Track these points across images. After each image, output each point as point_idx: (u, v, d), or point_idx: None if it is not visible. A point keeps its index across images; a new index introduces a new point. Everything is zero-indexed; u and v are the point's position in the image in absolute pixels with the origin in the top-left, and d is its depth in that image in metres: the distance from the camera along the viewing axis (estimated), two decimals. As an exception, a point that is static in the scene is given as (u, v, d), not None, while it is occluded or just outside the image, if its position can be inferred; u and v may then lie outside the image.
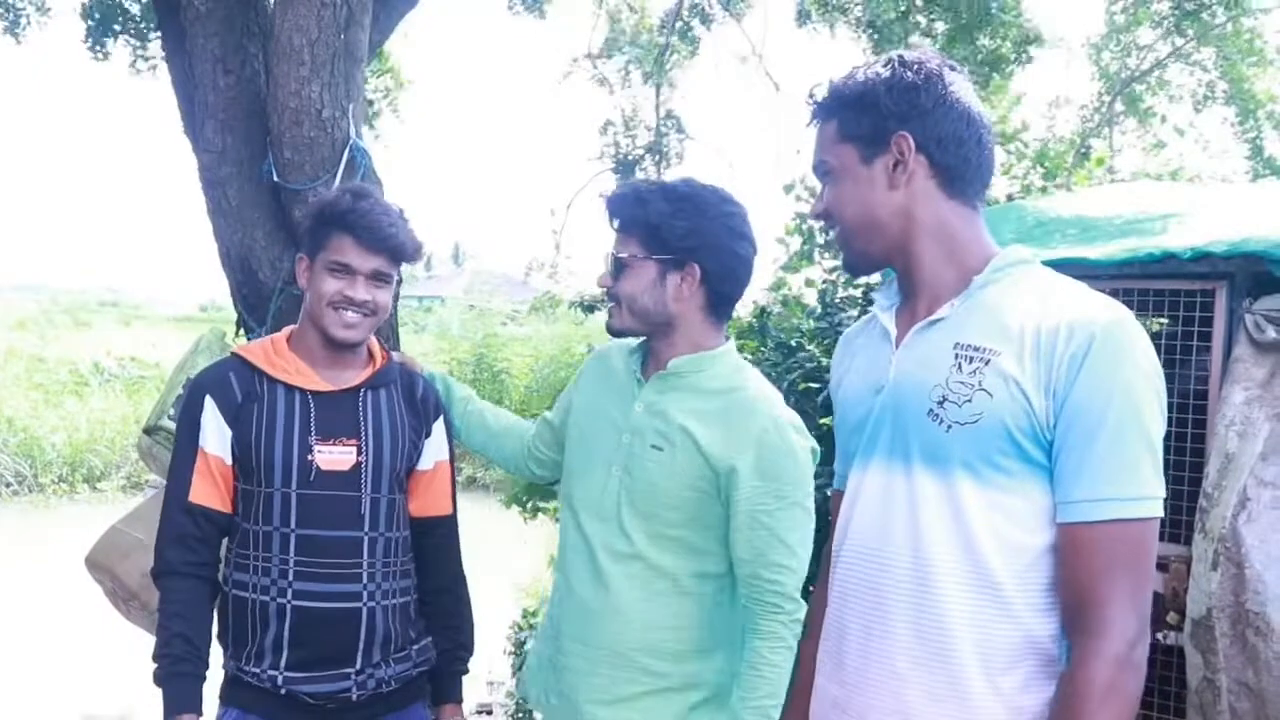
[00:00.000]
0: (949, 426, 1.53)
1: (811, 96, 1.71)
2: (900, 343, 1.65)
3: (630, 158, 7.39)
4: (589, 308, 6.86)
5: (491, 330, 19.99)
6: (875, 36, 7.53)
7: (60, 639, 7.71)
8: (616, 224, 2.29)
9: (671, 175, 7.01)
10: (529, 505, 5.87)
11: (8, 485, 14.62)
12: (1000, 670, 1.51)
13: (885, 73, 1.62)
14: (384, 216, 2.28)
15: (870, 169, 1.63)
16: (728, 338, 2.33)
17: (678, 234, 2.20)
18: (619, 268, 2.27)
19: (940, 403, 1.54)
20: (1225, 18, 11.74)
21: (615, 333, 2.34)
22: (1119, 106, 14.68)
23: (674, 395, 2.25)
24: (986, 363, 1.52)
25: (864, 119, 1.63)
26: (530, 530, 5.95)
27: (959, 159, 1.62)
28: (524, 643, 5.47)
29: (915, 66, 1.62)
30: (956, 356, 1.55)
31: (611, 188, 2.34)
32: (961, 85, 1.63)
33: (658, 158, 7.09)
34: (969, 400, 1.52)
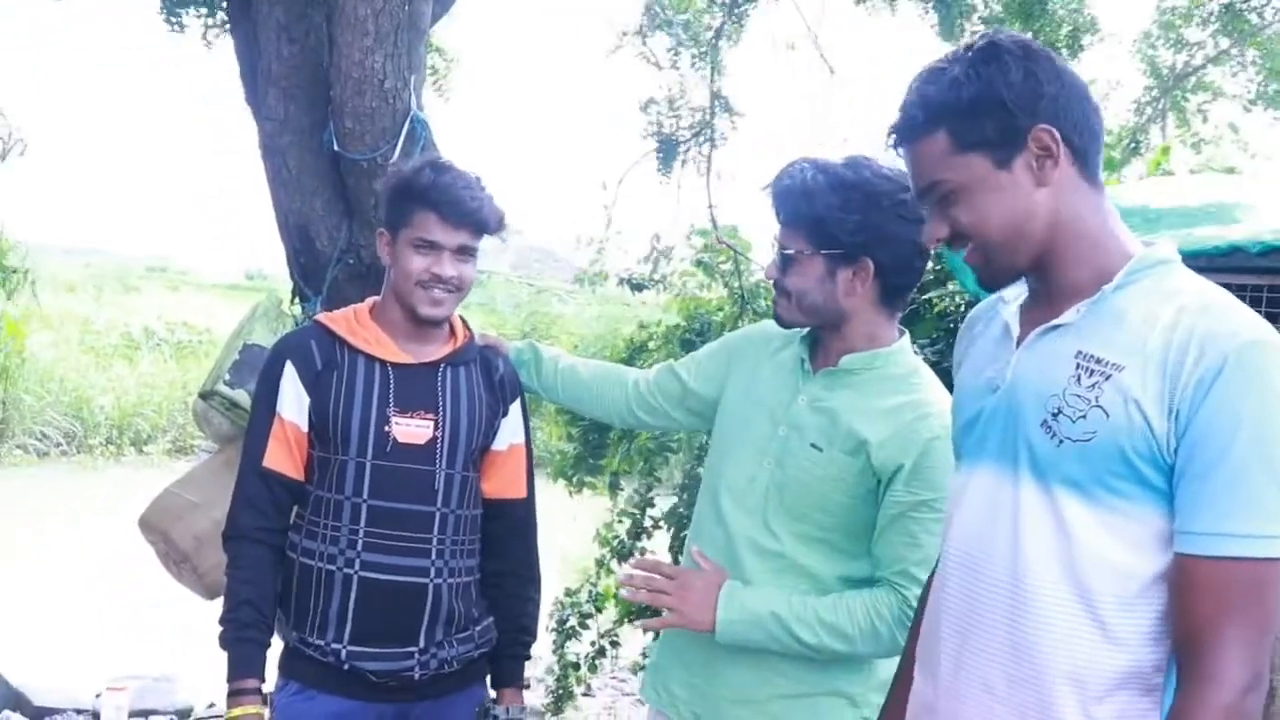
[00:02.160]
0: (1061, 441, 1.43)
1: (903, 113, 1.55)
2: (1021, 342, 1.54)
3: (675, 138, 7.28)
4: (637, 286, 6.77)
5: (538, 307, 20.01)
6: (941, 13, 7.35)
7: (105, 597, 7.83)
8: (781, 216, 2.13)
9: (719, 156, 6.94)
10: (575, 479, 5.85)
11: (57, 445, 14.85)
12: (1096, 699, 1.43)
13: (992, 67, 1.46)
14: (466, 190, 2.24)
15: (1010, 173, 1.48)
16: (901, 332, 2.17)
17: (848, 229, 2.02)
18: (785, 261, 2.11)
19: (1055, 414, 1.44)
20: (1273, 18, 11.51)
21: (784, 325, 2.19)
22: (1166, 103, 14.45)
23: (843, 394, 2.10)
24: (1107, 378, 1.41)
25: (987, 122, 1.47)
26: (578, 505, 5.94)
27: (1091, 138, 1.49)
28: (566, 620, 5.48)
29: (1018, 52, 1.46)
30: (1078, 367, 1.44)
31: (771, 176, 2.16)
32: (1060, 59, 1.50)
33: (705, 139, 6.97)
34: (1083, 416, 1.41)
